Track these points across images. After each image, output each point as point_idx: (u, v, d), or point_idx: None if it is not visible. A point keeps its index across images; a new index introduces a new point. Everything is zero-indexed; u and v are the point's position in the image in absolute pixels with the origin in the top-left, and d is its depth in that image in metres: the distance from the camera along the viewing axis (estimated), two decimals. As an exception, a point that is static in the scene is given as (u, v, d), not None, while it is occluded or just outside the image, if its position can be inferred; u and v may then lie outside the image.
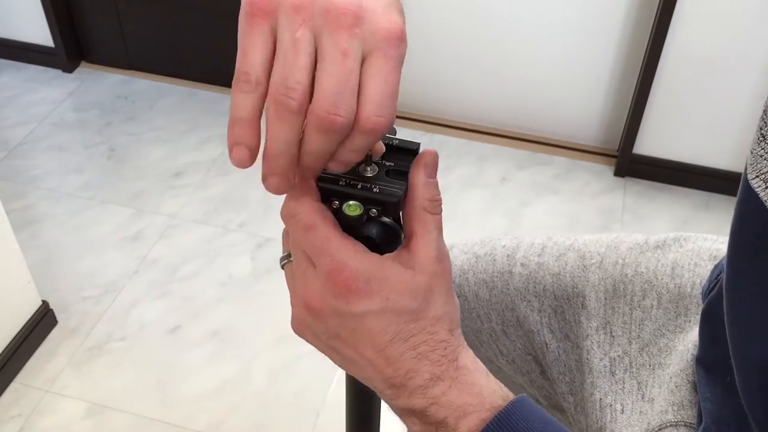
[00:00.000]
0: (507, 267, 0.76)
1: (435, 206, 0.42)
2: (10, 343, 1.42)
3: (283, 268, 0.46)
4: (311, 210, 0.41)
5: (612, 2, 1.81)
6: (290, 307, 0.44)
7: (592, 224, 1.83)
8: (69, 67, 2.27)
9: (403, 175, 0.43)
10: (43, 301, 1.51)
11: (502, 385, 0.43)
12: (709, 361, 0.57)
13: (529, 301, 0.74)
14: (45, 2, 2.13)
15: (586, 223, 1.83)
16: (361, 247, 0.41)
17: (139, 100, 2.19)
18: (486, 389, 0.42)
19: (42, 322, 1.50)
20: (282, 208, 0.42)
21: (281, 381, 1.46)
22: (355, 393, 0.60)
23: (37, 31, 2.22)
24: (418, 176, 0.42)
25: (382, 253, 0.43)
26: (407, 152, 0.44)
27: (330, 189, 0.42)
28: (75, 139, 2.05)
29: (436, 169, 0.43)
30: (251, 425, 1.38)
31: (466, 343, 0.44)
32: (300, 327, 0.44)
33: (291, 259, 0.44)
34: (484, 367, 0.43)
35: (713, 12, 1.67)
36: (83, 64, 2.31)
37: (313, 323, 0.42)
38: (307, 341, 0.45)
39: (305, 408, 1.41)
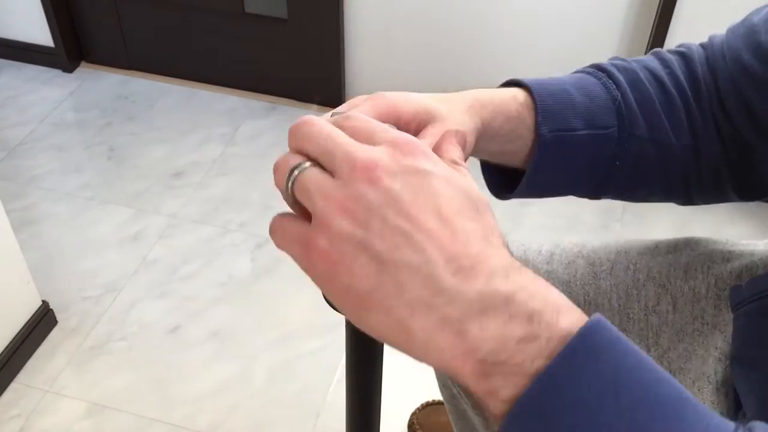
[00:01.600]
0: None
1: (460, 168, 0.41)
2: (10, 343, 1.42)
3: (292, 189, 0.38)
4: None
5: (612, 3, 1.81)
6: (313, 205, 0.37)
7: (592, 224, 1.83)
8: (69, 67, 2.27)
9: None
10: (43, 301, 1.50)
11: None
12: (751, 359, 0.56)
13: None
14: (45, 2, 2.13)
15: (587, 222, 1.82)
16: None
17: (139, 100, 2.19)
18: (565, 299, 0.36)
19: (42, 322, 1.49)
20: (326, 129, 0.39)
21: (281, 381, 1.46)
22: (355, 393, 0.60)
23: (37, 31, 2.22)
24: (449, 139, 0.44)
25: None
26: None
27: None
28: (75, 139, 2.05)
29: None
30: (251, 425, 1.38)
31: None
32: (343, 208, 0.35)
33: (308, 164, 0.38)
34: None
35: (713, 12, 1.67)
36: (83, 64, 2.31)
37: (366, 190, 0.35)
38: (338, 238, 0.35)
39: (305, 408, 1.41)
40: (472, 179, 0.39)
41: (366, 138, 0.37)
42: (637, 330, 0.66)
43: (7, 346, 1.41)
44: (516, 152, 0.57)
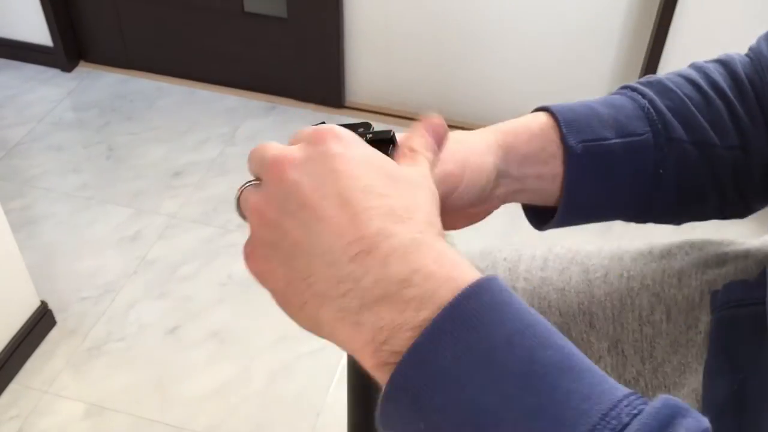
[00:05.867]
0: (509, 282, 0.72)
1: (425, 154, 0.41)
2: (9, 343, 1.42)
3: (239, 206, 0.40)
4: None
5: (612, 3, 1.80)
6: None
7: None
8: (68, 66, 2.27)
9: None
10: (42, 302, 1.50)
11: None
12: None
13: None
14: (44, 1, 2.12)
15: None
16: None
17: (138, 99, 2.19)
18: (468, 266, 0.35)
19: (40, 322, 1.49)
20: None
21: (281, 381, 1.45)
22: (355, 393, 0.60)
23: (36, 31, 2.21)
24: (419, 132, 0.43)
25: None
26: (383, 143, 0.44)
27: None
28: (73, 138, 2.05)
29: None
30: (251, 425, 1.38)
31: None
32: (257, 210, 0.37)
33: (253, 182, 0.40)
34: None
35: (714, 13, 1.66)
36: (82, 63, 2.31)
37: (274, 188, 0.37)
38: (259, 242, 0.38)
39: (305, 408, 1.41)
40: (424, 168, 0.39)
41: (296, 142, 0.38)
42: (631, 341, 0.65)
43: (5, 347, 1.41)
44: (554, 176, 0.54)
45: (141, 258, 1.70)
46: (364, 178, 0.36)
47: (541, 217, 0.60)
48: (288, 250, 0.36)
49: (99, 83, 2.24)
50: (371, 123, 0.44)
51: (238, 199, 0.40)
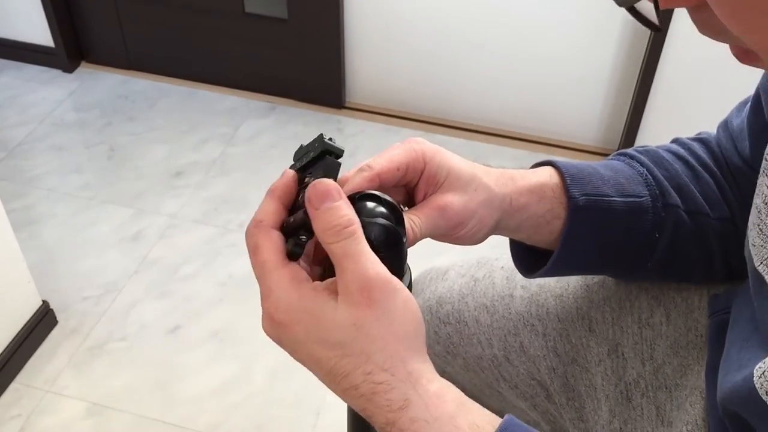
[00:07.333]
0: (507, 290, 0.73)
1: (332, 234, 0.41)
2: (10, 343, 1.42)
3: None
4: (263, 232, 0.44)
5: (612, 2, 1.80)
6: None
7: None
8: (69, 67, 2.27)
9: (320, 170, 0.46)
10: (43, 301, 1.51)
11: (484, 412, 0.41)
12: None
13: (533, 325, 0.71)
14: (45, 2, 2.13)
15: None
16: (298, 275, 0.42)
17: (139, 100, 2.19)
18: (462, 425, 0.40)
19: (42, 322, 1.50)
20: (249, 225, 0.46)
21: (281, 381, 1.46)
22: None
23: (37, 31, 2.22)
24: (310, 212, 0.42)
25: (386, 256, 0.42)
26: (321, 156, 0.46)
27: (286, 228, 0.45)
28: (75, 139, 2.05)
29: (325, 196, 0.42)
30: (251, 425, 1.38)
31: (428, 374, 0.41)
32: (267, 325, 0.46)
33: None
34: (457, 394, 0.41)
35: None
36: (83, 64, 2.31)
37: (271, 329, 0.45)
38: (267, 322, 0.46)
39: (305, 408, 1.41)
40: (357, 236, 0.41)
41: (257, 278, 0.46)
42: (631, 344, 0.65)
43: (7, 346, 1.41)
44: (551, 232, 0.57)
45: (142, 258, 1.71)
46: (320, 363, 0.41)
47: (528, 264, 0.62)
48: (295, 355, 0.44)
49: (100, 84, 2.25)
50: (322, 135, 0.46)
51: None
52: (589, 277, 0.70)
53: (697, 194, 0.59)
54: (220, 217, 1.82)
